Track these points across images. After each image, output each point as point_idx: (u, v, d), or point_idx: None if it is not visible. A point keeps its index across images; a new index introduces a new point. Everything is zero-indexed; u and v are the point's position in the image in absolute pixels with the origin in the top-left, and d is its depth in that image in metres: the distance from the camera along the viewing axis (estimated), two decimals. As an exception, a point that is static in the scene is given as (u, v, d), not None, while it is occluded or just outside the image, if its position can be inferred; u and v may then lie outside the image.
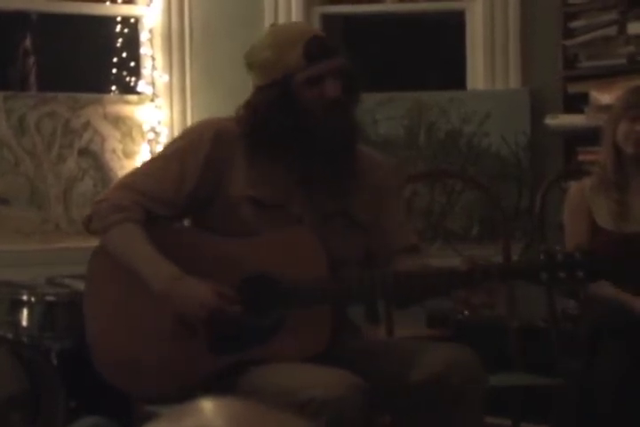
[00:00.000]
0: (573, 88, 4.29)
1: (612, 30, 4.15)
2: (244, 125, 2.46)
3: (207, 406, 0.93)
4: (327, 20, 4.64)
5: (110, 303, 2.46)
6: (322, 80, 2.40)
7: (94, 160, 4.37)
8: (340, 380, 2.23)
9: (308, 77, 2.39)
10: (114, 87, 4.62)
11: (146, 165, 2.60)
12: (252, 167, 2.45)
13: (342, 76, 2.42)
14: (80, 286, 3.49)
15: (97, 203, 2.48)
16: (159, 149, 4.40)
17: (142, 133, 4.44)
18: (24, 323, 3.32)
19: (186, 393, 2.30)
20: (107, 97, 4.48)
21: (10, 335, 3.28)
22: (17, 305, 3.34)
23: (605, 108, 3.81)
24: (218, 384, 2.39)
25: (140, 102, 4.45)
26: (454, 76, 4.68)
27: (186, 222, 2.64)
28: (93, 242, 2.47)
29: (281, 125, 2.41)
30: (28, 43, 5.46)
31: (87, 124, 4.38)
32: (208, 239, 2.46)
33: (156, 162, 2.54)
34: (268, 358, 2.36)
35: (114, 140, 4.41)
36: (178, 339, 2.39)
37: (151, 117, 4.43)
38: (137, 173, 2.55)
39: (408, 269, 2.39)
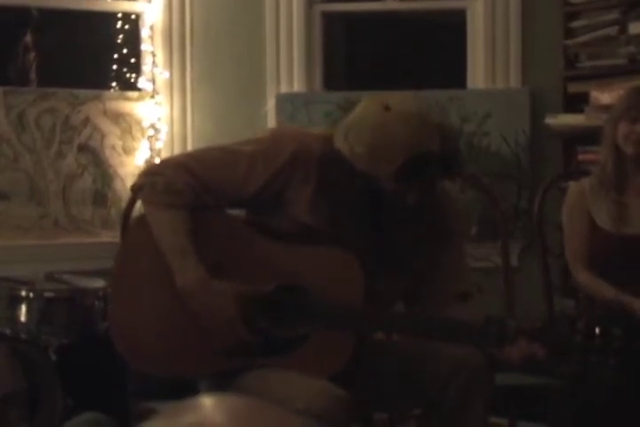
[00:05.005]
0: (574, 88, 4.29)
1: (613, 30, 4.15)
2: (321, 173, 2.39)
3: (207, 402, 0.93)
4: (328, 17, 4.64)
5: (139, 280, 2.44)
6: (407, 191, 2.35)
7: (94, 156, 4.37)
8: (323, 392, 2.22)
9: (394, 190, 2.34)
10: (114, 83, 4.61)
11: (213, 155, 2.46)
12: (317, 196, 2.40)
13: (429, 188, 2.38)
14: (79, 281, 3.50)
15: (152, 174, 2.43)
16: (159, 145, 4.41)
17: (142, 130, 4.43)
18: (22, 319, 3.31)
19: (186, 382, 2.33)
20: (107, 93, 4.47)
21: (8, 331, 3.27)
22: (15, 301, 3.33)
23: (605, 108, 3.81)
24: (213, 382, 2.40)
25: (140, 99, 4.44)
26: (454, 75, 4.67)
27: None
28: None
29: (354, 200, 2.38)
30: (28, 38, 5.45)
31: (87, 121, 4.37)
32: (254, 236, 2.42)
33: (226, 157, 2.43)
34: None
35: (113, 137, 4.41)
36: (194, 331, 2.38)
37: (151, 114, 4.42)
38: (202, 160, 2.43)
39: (440, 320, 2.40)
